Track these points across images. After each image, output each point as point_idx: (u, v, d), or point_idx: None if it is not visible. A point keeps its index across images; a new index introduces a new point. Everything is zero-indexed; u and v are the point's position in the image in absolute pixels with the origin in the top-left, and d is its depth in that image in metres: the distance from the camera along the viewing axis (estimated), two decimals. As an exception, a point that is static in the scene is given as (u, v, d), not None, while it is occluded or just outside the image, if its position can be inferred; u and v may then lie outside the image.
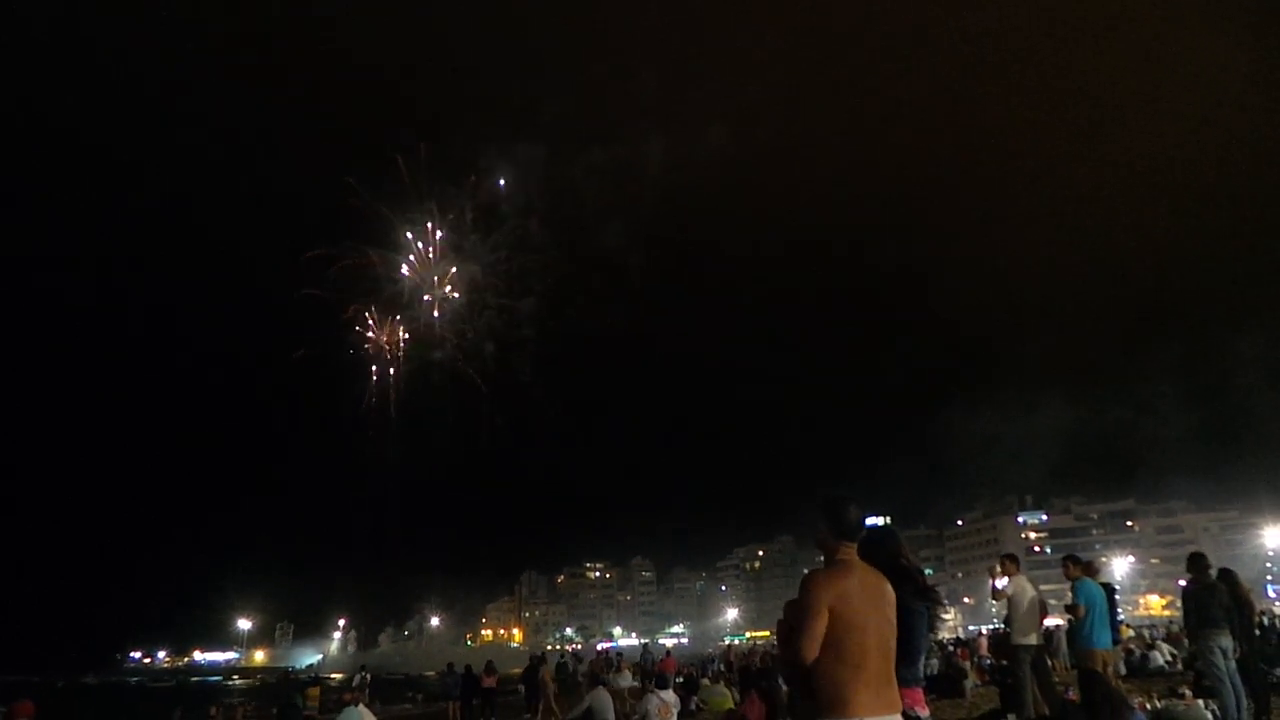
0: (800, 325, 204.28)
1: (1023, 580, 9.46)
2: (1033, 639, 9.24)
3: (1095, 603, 9.13)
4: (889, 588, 3.25)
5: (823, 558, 3.32)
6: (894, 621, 3.18)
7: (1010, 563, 9.92)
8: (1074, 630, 9.75)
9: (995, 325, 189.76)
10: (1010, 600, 9.32)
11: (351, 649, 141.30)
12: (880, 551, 3.61)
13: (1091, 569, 10.56)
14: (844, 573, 3.18)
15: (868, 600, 3.11)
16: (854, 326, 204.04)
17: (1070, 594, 9.37)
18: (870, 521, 3.60)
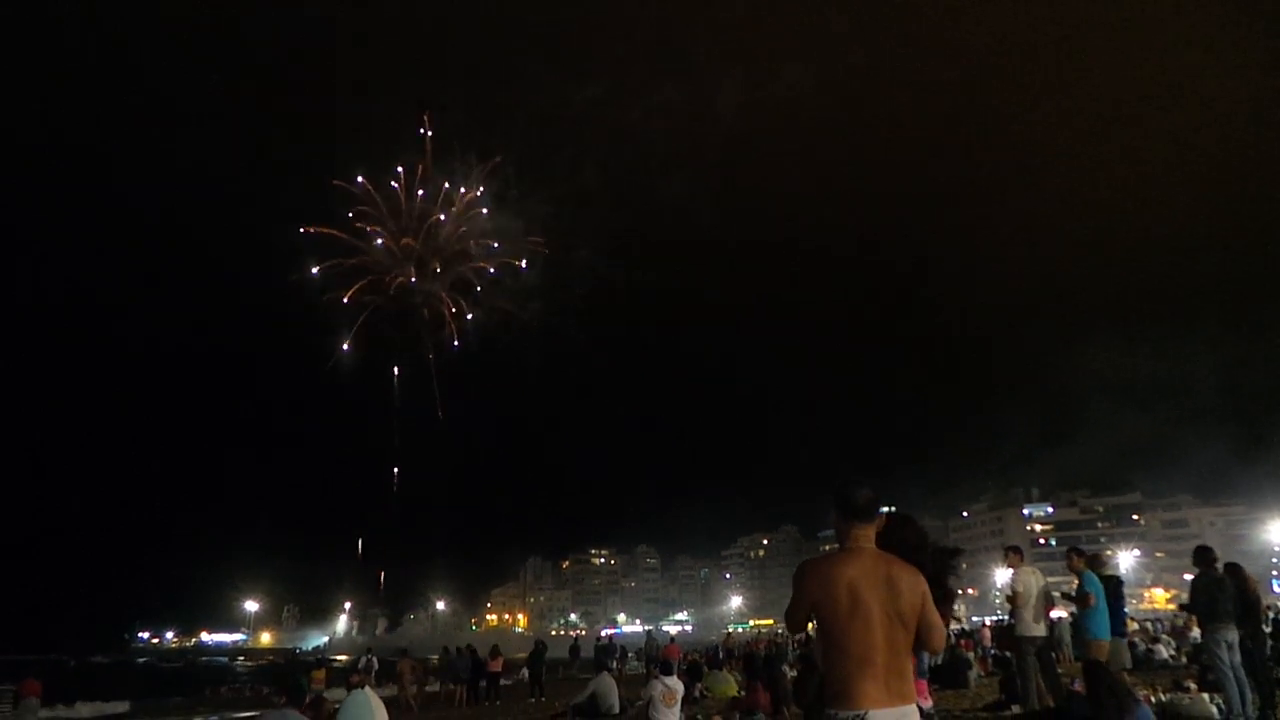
0: (807, 316, 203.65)
1: (1028, 572, 9.44)
2: (1038, 630, 9.23)
3: (1096, 594, 9.18)
4: (906, 575, 3.04)
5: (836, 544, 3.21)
6: (907, 611, 2.98)
7: (1014, 554, 9.90)
8: (1078, 621, 9.75)
9: (1001, 317, 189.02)
10: (1016, 592, 9.31)
11: (356, 634, 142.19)
12: (894, 538, 3.51)
13: (1099, 561, 10.56)
14: (841, 559, 3.03)
15: (874, 589, 2.94)
16: (861, 318, 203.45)
17: (1076, 584, 9.40)
18: (883, 510, 3.49)
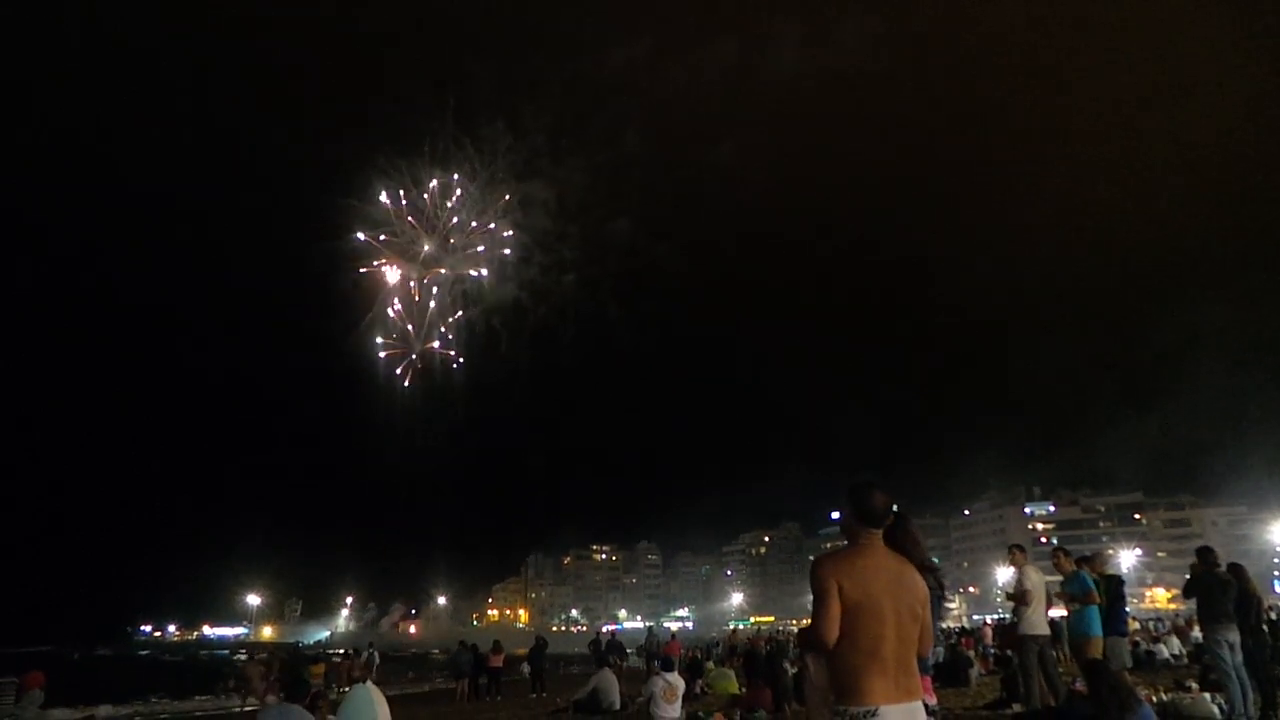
0: (808, 315, 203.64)
1: (1032, 571, 9.42)
2: (1042, 629, 9.23)
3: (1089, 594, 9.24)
4: (912, 575, 3.12)
5: (844, 542, 3.21)
6: (916, 610, 3.04)
7: (1019, 553, 9.89)
8: (1072, 620, 9.75)
9: (1003, 317, 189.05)
10: (1025, 589, 9.29)
11: (356, 627, 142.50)
12: (892, 537, 3.52)
13: (1099, 560, 10.54)
14: (855, 555, 3.07)
15: (884, 586, 2.99)
16: (861, 317, 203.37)
17: (1064, 584, 9.46)
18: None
